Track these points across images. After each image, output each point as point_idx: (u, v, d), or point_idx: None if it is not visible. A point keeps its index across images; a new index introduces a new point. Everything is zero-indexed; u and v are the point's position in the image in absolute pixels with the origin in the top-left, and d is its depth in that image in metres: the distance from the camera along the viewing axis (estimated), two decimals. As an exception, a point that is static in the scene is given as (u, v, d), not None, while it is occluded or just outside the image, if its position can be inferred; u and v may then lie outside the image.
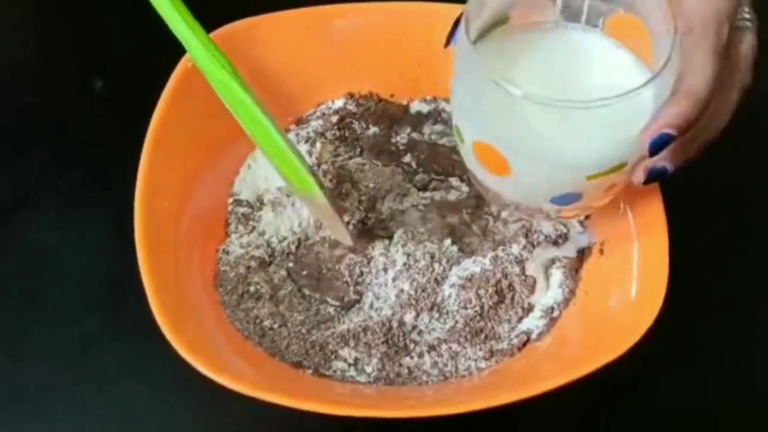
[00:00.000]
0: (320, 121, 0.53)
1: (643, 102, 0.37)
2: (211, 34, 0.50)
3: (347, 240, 0.47)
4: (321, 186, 0.45)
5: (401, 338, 0.44)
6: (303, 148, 0.51)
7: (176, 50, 0.48)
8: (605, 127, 0.37)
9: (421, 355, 0.44)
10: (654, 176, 0.39)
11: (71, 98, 0.58)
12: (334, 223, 0.47)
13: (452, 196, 0.50)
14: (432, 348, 0.44)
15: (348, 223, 0.48)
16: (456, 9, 0.51)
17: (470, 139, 0.40)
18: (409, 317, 0.45)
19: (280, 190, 0.49)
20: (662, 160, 0.38)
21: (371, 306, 0.46)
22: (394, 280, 0.46)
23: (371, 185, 0.50)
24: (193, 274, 0.45)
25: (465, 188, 0.50)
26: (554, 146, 0.38)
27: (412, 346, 0.44)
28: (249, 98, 0.43)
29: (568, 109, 0.35)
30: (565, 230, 0.46)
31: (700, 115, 0.37)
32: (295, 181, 0.45)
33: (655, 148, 0.36)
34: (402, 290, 0.46)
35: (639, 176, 0.39)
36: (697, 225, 0.49)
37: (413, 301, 0.45)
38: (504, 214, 0.48)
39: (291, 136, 0.52)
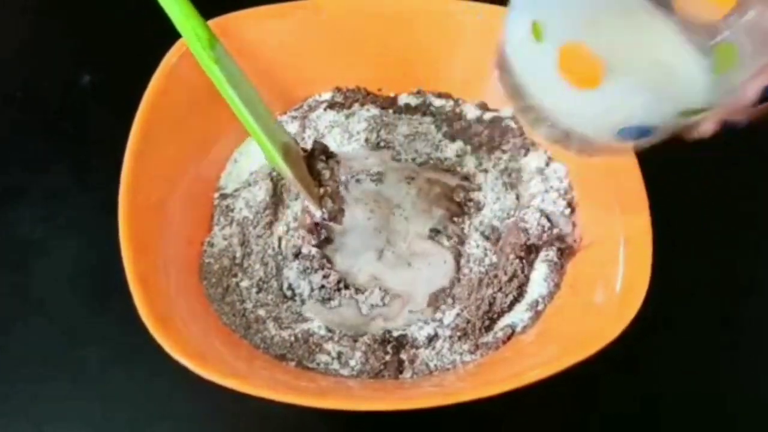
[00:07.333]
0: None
1: None
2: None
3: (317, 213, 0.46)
4: (291, 162, 0.44)
5: (385, 333, 0.44)
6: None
7: (164, 46, 0.48)
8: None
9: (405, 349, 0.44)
10: (728, 129, 0.33)
11: (58, 93, 0.58)
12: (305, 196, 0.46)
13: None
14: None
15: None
16: (445, 5, 0.51)
17: (559, 41, 0.33)
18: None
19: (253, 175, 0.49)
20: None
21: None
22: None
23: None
24: (179, 268, 0.45)
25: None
26: (665, 58, 0.31)
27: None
28: (222, 74, 0.41)
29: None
30: (549, 224, 0.46)
31: None
32: (266, 154, 0.44)
33: None
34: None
35: (708, 127, 0.33)
36: (681, 219, 0.49)
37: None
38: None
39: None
